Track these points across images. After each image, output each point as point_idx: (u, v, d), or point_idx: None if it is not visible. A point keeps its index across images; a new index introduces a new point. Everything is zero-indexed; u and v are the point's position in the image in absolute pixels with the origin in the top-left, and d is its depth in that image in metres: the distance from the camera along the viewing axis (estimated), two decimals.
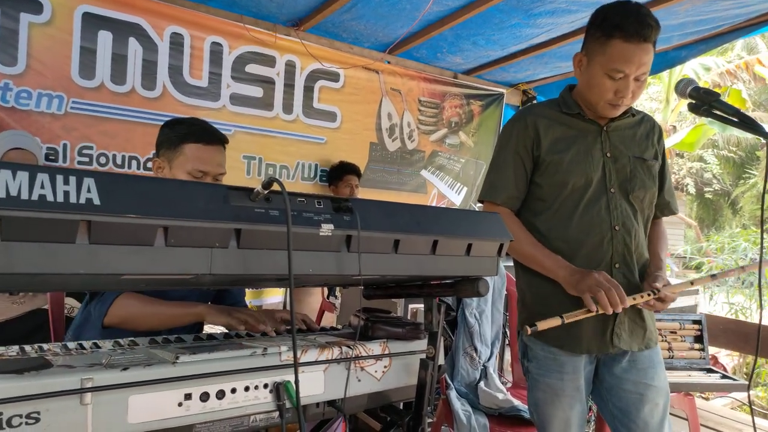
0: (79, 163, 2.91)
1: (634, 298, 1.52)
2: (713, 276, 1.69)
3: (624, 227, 1.63)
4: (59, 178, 0.68)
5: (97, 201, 0.70)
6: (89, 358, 1.02)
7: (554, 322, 1.45)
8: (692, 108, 1.46)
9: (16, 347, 1.12)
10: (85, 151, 2.93)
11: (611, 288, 1.47)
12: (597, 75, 1.57)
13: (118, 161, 3.03)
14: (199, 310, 1.53)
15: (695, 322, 2.98)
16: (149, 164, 3.05)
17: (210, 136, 1.68)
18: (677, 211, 1.84)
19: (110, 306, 1.54)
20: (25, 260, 0.66)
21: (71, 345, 1.18)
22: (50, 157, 2.82)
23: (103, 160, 2.98)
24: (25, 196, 0.65)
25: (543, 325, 1.43)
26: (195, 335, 1.39)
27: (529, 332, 1.44)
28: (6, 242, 0.64)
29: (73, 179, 0.70)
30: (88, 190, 0.70)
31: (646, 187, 1.67)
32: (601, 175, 1.65)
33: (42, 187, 0.67)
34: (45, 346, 1.15)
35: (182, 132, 1.66)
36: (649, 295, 1.54)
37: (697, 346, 2.92)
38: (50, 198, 0.67)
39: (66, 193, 0.68)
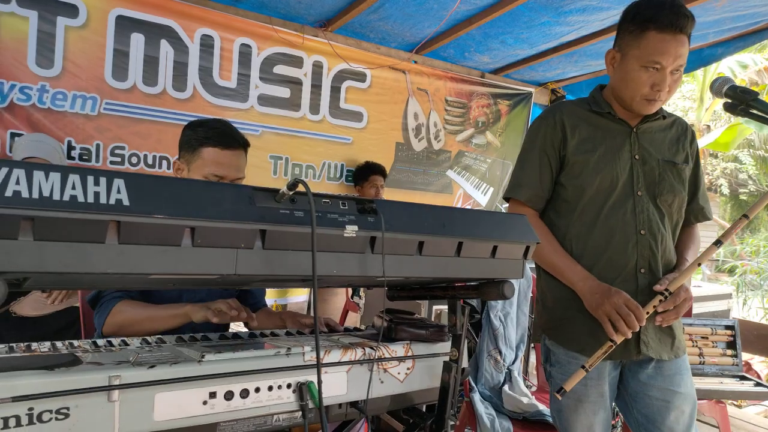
0: (112, 163, 2.98)
1: (648, 312, 1.48)
2: (717, 243, 1.57)
3: (650, 232, 1.59)
4: (90, 179, 0.70)
5: (126, 201, 0.72)
6: (118, 355, 1.04)
7: (578, 376, 1.45)
8: (728, 107, 1.42)
9: (48, 343, 1.15)
10: (117, 151, 3.00)
11: (630, 313, 1.46)
12: (632, 69, 1.54)
13: (149, 161, 3.09)
14: (186, 309, 1.54)
15: (728, 327, 2.90)
16: None
17: (229, 139, 1.66)
18: (711, 216, 1.78)
19: (107, 316, 1.57)
20: (56, 259, 0.67)
21: (100, 342, 1.21)
22: (84, 157, 2.90)
23: (134, 160, 3.05)
24: (57, 196, 0.67)
25: (570, 384, 1.44)
26: (220, 334, 1.40)
27: (560, 397, 1.44)
28: (38, 242, 0.66)
29: (103, 180, 0.71)
30: (118, 191, 0.72)
31: (675, 191, 1.63)
32: (628, 177, 1.61)
33: (73, 187, 0.68)
34: (75, 342, 1.17)
35: (202, 135, 1.65)
36: (660, 301, 1.50)
37: (729, 352, 2.84)
38: (81, 198, 0.68)
39: (96, 194, 0.70)
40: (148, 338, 1.28)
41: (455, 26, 3.50)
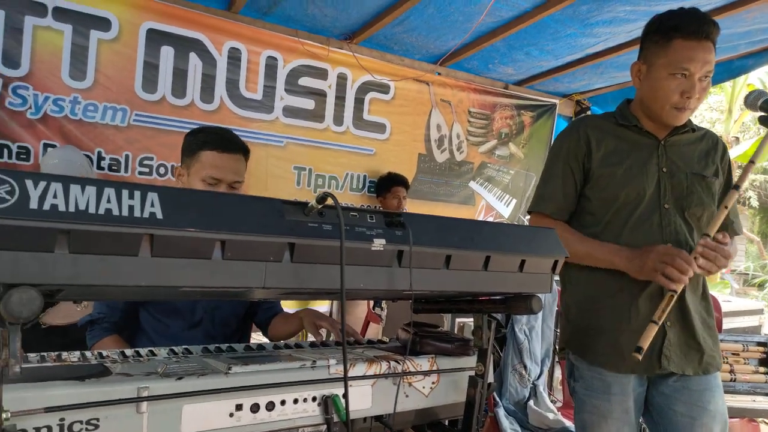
0: (140, 173, 3.03)
1: (695, 258, 1.44)
2: (735, 187, 1.51)
3: (677, 244, 1.56)
4: (125, 193, 0.71)
5: (159, 215, 0.73)
6: (146, 366, 1.04)
7: (651, 331, 1.39)
8: (764, 121, 1.39)
9: (77, 353, 1.16)
10: (146, 162, 3.05)
11: (675, 257, 1.42)
12: (661, 78, 1.53)
13: None
14: None
15: (760, 344, 2.82)
16: None
17: (227, 143, 1.68)
18: (741, 231, 1.75)
19: (91, 348, 1.63)
20: (90, 272, 0.68)
21: (128, 352, 1.22)
22: (113, 168, 2.96)
23: (162, 170, 3.10)
24: (92, 210, 0.68)
25: (644, 341, 1.38)
26: (246, 345, 1.41)
27: (639, 357, 1.38)
28: (74, 254, 0.67)
29: (137, 194, 0.72)
30: (152, 205, 0.73)
31: (704, 204, 1.60)
32: (655, 189, 1.59)
33: (108, 201, 0.69)
34: (104, 352, 1.19)
35: (201, 139, 1.68)
36: (702, 246, 1.45)
37: (762, 369, 2.76)
38: (116, 212, 0.69)
39: (131, 207, 0.71)
40: (175, 348, 1.29)
41: (480, 38, 3.50)
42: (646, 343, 1.39)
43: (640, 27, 3.02)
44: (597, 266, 1.59)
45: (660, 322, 1.41)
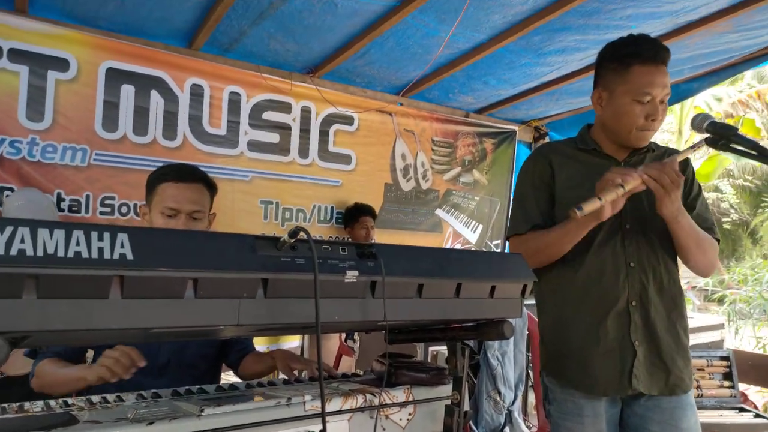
0: (101, 213, 2.96)
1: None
2: (693, 147, 1.58)
3: (639, 264, 1.60)
4: (94, 235, 0.70)
5: (130, 256, 0.72)
6: (114, 412, 1.01)
7: (594, 204, 1.43)
8: (710, 143, 1.46)
9: (40, 402, 1.12)
10: (107, 202, 2.99)
11: (616, 171, 1.48)
12: (624, 104, 1.58)
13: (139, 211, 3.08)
14: (80, 373, 1.47)
15: (723, 358, 2.90)
16: None
17: (183, 174, 1.68)
18: (716, 235, 1.70)
19: (32, 376, 1.56)
20: (59, 317, 0.67)
21: (95, 399, 1.18)
22: (73, 209, 2.88)
23: (124, 209, 3.03)
24: (61, 253, 0.67)
25: (588, 206, 1.41)
26: (217, 385, 1.38)
27: (578, 215, 1.41)
28: (42, 299, 0.66)
29: (107, 235, 0.71)
30: (122, 246, 0.72)
31: (665, 224, 1.61)
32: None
33: (77, 244, 0.68)
34: (69, 400, 1.15)
35: (160, 173, 1.69)
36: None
37: (726, 383, 2.83)
38: (85, 255, 0.68)
39: (100, 249, 0.70)
40: (143, 393, 1.25)
41: (439, 69, 3.60)
42: (587, 208, 1.41)
43: (591, 55, 3.19)
44: (573, 243, 1.59)
45: (603, 200, 1.43)
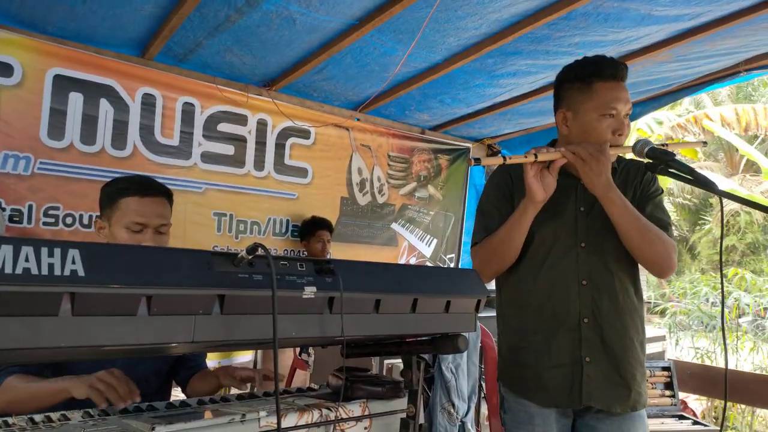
0: (44, 224, 2.84)
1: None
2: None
3: (592, 281, 1.63)
4: (44, 251, 0.68)
5: (81, 272, 0.70)
6: None
7: (497, 160, 1.59)
8: (649, 167, 1.53)
9: None
10: (51, 212, 2.87)
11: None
12: (591, 120, 1.62)
13: (85, 221, 2.97)
14: (66, 384, 1.38)
15: (664, 368, 3.03)
16: None
17: (146, 188, 1.66)
18: (669, 228, 1.68)
19: None
20: (7, 335, 0.65)
21: (38, 418, 1.13)
22: (14, 219, 2.75)
23: (69, 220, 2.92)
24: (9, 270, 0.64)
25: (486, 161, 1.53)
26: (167, 402, 1.34)
27: (473, 164, 1.50)
28: None
29: (57, 251, 0.69)
30: (73, 262, 0.70)
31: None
32: (572, 230, 1.67)
33: (26, 260, 0.66)
34: (10, 420, 1.10)
35: (121, 187, 1.65)
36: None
37: (667, 392, 2.96)
38: (35, 271, 0.66)
39: (51, 266, 0.68)
40: (90, 411, 1.21)
41: (396, 86, 3.65)
42: (485, 162, 1.53)
43: (541, 78, 3.32)
44: (521, 233, 1.62)
45: (507, 159, 1.54)
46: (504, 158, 1.54)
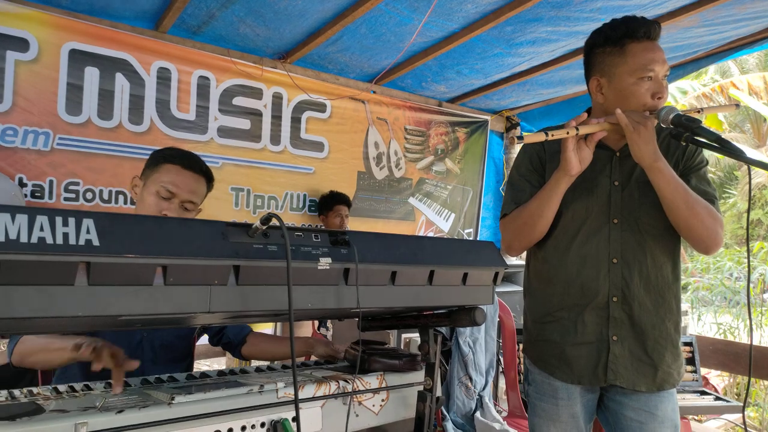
0: (65, 199, 2.88)
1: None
2: (699, 110, 1.52)
3: (623, 260, 1.57)
4: (58, 220, 0.68)
5: (96, 242, 0.70)
6: (82, 401, 0.99)
7: (539, 137, 1.45)
8: (675, 135, 1.47)
9: (4, 392, 1.09)
10: (71, 187, 2.90)
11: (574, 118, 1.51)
12: (629, 84, 1.52)
13: (105, 196, 3.01)
14: (65, 342, 1.35)
15: (686, 344, 2.98)
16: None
17: (192, 162, 1.69)
18: (717, 207, 1.57)
19: (16, 343, 1.48)
20: (24, 304, 0.65)
21: (62, 388, 1.15)
22: (36, 194, 2.79)
23: (89, 195, 2.95)
24: (24, 239, 0.64)
25: (529, 138, 1.46)
26: (188, 374, 1.36)
27: (516, 142, 1.47)
28: (5, 286, 0.63)
29: (72, 220, 0.69)
30: (87, 231, 0.70)
31: (655, 215, 1.56)
32: (605, 204, 1.59)
33: (41, 229, 0.66)
34: (35, 389, 1.12)
35: (167, 153, 1.69)
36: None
37: (689, 368, 2.92)
38: (50, 240, 0.66)
39: (65, 235, 0.68)
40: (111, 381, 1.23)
41: (412, 57, 3.59)
42: (529, 139, 1.47)
43: (562, 46, 3.22)
44: (552, 207, 1.57)
45: (549, 135, 1.45)
46: (546, 134, 1.44)
